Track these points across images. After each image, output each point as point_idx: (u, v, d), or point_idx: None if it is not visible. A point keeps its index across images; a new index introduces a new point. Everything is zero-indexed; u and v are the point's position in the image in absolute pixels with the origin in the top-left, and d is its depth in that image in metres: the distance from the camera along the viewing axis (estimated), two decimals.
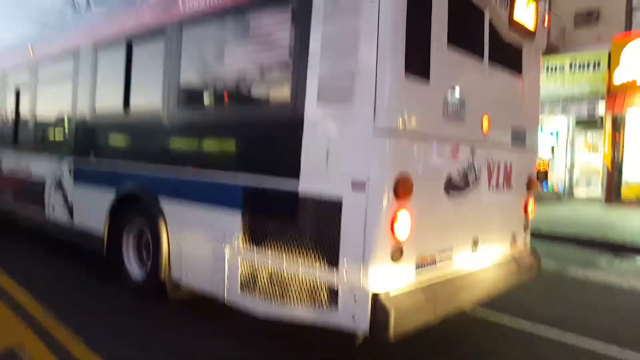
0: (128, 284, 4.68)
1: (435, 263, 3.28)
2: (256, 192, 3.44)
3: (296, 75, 3.21)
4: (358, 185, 2.85)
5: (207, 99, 4.17)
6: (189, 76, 4.18)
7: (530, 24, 4.12)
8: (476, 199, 3.65)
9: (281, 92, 3.44)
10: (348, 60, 2.92)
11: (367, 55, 2.83)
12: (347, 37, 2.94)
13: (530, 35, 4.16)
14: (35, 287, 4.70)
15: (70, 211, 5.59)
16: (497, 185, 3.93)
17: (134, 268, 4.71)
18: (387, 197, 2.81)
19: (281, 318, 3.26)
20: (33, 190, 6.34)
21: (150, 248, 4.42)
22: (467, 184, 3.52)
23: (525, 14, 4.04)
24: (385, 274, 2.85)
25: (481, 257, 3.76)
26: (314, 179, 3.07)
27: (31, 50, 6.61)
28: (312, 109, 3.10)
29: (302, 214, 3.12)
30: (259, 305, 3.38)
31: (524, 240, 4.45)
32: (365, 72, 2.84)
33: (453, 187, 3.37)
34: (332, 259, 2.96)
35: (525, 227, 4.46)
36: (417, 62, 2.95)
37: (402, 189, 2.85)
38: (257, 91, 3.74)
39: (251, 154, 3.58)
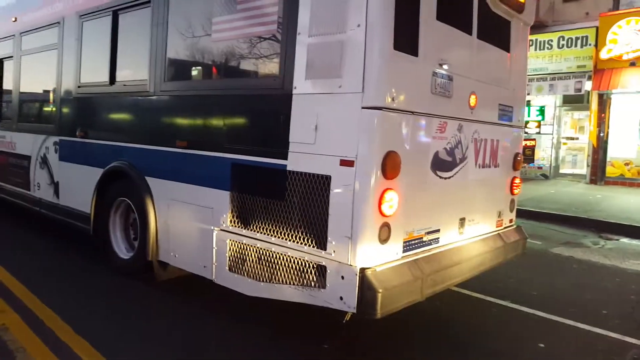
0: (115, 264, 4.64)
1: (423, 241, 3.28)
2: (244, 169, 3.40)
3: (285, 49, 3.13)
4: (346, 162, 2.82)
5: (193, 72, 4.08)
6: (175, 48, 4.06)
7: None
8: (463, 177, 3.64)
9: (269, 66, 3.36)
10: (336, 35, 2.85)
11: (355, 30, 2.77)
12: (335, 10, 2.87)
13: (519, 9, 4.11)
14: (19, 268, 4.64)
15: (56, 189, 5.49)
16: (484, 163, 3.92)
17: (121, 247, 4.66)
18: (376, 174, 2.78)
19: (270, 297, 3.26)
20: (17, 167, 6.21)
21: (137, 227, 4.37)
22: (454, 162, 3.51)
23: None
24: (372, 251, 2.84)
25: (468, 235, 3.77)
26: (303, 155, 3.03)
27: (14, 19, 6.38)
28: (300, 84, 3.04)
29: (291, 191, 3.09)
30: (247, 285, 3.36)
31: (509, 218, 4.48)
32: (353, 47, 2.78)
33: (440, 165, 3.36)
34: (320, 237, 2.95)
35: (511, 205, 4.48)
36: (406, 37, 2.89)
37: (390, 166, 2.82)
38: (245, 65, 3.65)
39: (238, 130, 3.52)
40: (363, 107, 2.76)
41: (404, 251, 3.10)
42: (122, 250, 4.64)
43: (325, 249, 2.92)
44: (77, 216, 5.09)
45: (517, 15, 4.15)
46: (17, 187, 6.27)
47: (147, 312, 3.83)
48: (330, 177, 2.89)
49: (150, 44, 4.20)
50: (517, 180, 4.49)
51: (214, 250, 3.58)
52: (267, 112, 3.28)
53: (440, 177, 3.38)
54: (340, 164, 2.84)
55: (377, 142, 2.79)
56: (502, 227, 4.31)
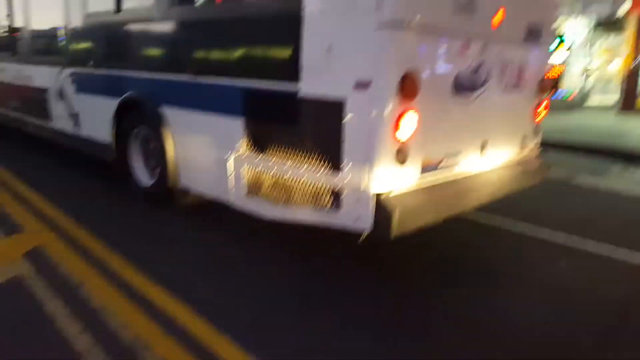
0: (137, 191, 4.74)
1: (441, 166, 3.22)
2: (257, 95, 3.32)
3: None
4: (362, 84, 2.71)
5: None
6: None
7: None
8: (486, 100, 3.49)
9: None
10: None
11: None
12: None
13: None
14: (51, 194, 4.79)
15: (76, 120, 5.53)
16: (508, 86, 3.74)
17: (142, 175, 4.74)
18: (393, 96, 2.68)
19: (286, 220, 3.29)
20: (37, 100, 6.25)
21: (156, 155, 4.41)
22: (477, 84, 3.35)
23: None
24: (389, 175, 2.80)
25: (488, 160, 3.69)
26: (316, 78, 2.92)
27: None
28: (312, 3, 2.87)
29: (305, 116, 3.02)
30: (264, 208, 3.40)
31: (532, 144, 4.35)
32: None
33: (462, 87, 3.21)
34: (335, 161, 2.91)
35: (535, 131, 4.33)
36: None
37: (408, 87, 2.71)
38: None
39: (249, 54, 3.40)
40: (379, 25, 2.60)
41: (422, 174, 3.05)
42: (143, 178, 4.72)
43: (340, 173, 2.90)
44: (99, 145, 5.15)
45: None
46: (39, 119, 6.34)
47: (174, 236, 3.95)
48: (345, 101, 2.79)
49: None
50: (544, 104, 4.30)
51: (231, 176, 3.60)
52: (278, 33, 3.15)
53: (462, 100, 3.25)
54: (356, 87, 2.74)
55: (395, 63, 2.66)
56: (523, 153, 4.19)
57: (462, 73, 3.18)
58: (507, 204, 4.04)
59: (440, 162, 3.20)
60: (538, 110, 4.26)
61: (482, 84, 3.41)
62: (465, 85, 3.24)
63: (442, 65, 3.01)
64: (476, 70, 3.31)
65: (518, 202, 4.31)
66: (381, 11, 2.59)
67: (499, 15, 3.37)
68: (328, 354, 2.47)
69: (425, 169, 3.09)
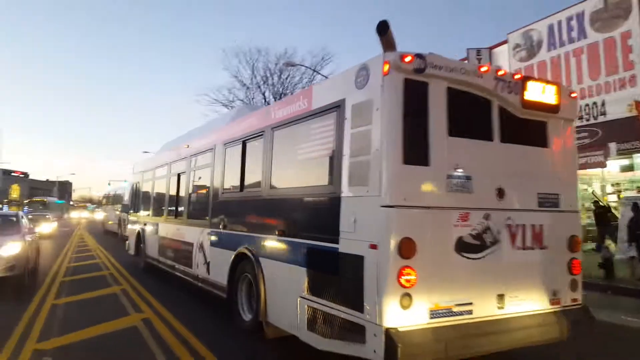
0: (239, 323, 5.99)
1: (453, 311, 3.91)
2: (313, 251, 4.52)
3: (337, 166, 4.31)
4: (373, 246, 3.75)
5: (284, 181, 5.45)
6: (276, 164, 5.55)
7: (551, 100, 4.64)
8: (497, 258, 4.19)
9: (328, 178, 4.53)
10: (365, 156, 3.94)
11: (375, 150, 3.82)
12: (364, 137, 3.98)
13: (553, 110, 4.66)
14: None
15: (208, 267, 7.25)
16: (525, 245, 4.38)
17: (245, 310, 6.02)
18: (393, 255, 3.65)
19: (334, 351, 4.17)
20: (186, 251, 8.26)
21: (254, 295, 5.70)
22: (484, 245, 4.12)
23: (544, 94, 4.59)
24: (396, 315, 3.63)
25: (510, 310, 4.20)
26: (348, 240, 4.05)
27: (187, 145, 8.84)
28: (345, 189, 4.14)
29: (341, 267, 4.09)
30: (319, 341, 4.33)
31: (572, 297, 4.67)
32: (375, 163, 3.82)
33: (466, 248, 4.02)
34: (360, 303, 3.84)
35: (573, 285, 4.68)
36: (415, 153, 3.83)
37: (405, 249, 3.66)
38: (314, 177, 4.87)
39: (310, 223, 4.70)
40: (381, 206, 3.72)
41: (431, 318, 3.78)
42: (245, 313, 5.99)
43: (363, 312, 3.80)
44: (219, 287, 6.68)
45: (554, 115, 4.71)
46: (184, 266, 8.27)
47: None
48: (363, 256, 3.83)
49: (262, 162, 5.77)
50: (577, 261, 4.72)
51: (298, 313, 4.67)
52: (327, 209, 4.41)
53: (468, 258, 4.03)
54: (369, 247, 3.78)
55: (393, 232, 3.68)
56: (559, 306, 4.55)
57: (464, 237, 4.02)
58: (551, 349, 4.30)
59: (450, 308, 3.90)
60: (573, 266, 4.68)
61: (490, 245, 4.16)
62: (469, 247, 4.04)
63: (440, 232, 3.92)
64: (481, 234, 4.12)
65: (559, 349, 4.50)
66: (382, 197, 3.73)
67: (500, 191, 4.24)
68: None
69: (436, 312, 3.81)
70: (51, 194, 78.90)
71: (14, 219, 10.28)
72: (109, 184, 41.32)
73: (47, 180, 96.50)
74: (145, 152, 11.59)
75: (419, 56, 3.87)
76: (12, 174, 79.58)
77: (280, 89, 27.65)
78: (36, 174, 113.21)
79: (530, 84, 4.52)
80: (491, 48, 18.91)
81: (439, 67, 3.96)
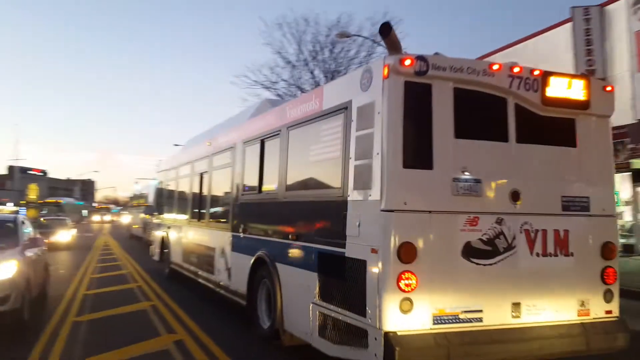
0: (258, 330, 6.95)
1: (459, 318, 4.61)
2: (323, 256, 5.36)
3: (343, 168, 5.11)
4: (374, 250, 4.53)
5: (299, 184, 6.30)
6: (291, 167, 6.43)
7: (579, 96, 5.19)
8: (513, 264, 4.83)
9: (336, 181, 5.32)
10: (368, 160, 4.72)
11: (377, 153, 4.59)
12: (367, 139, 4.75)
13: (582, 106, 5.21)
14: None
15: (229, 273, 8.26)
16: (546, 251, 4.99)
17: (263, 318, 6.95)
18: (393, 259, 4.41)
19: (342, 357, 4.99)
20: (208, 257, 9.34)
21: (271, 302, 6.62)
22: (496, 251, 4.78)
23: (570, 89, 5.16)
24: (396, 319, 4.38)
25: (527, 320, 4.84)
26: (353, 245, 4.85)
27: (209, 143, 9.93)
28: (351, 193, 4.94)
29: (347, 272, 4.90)
30: (329, 347, 5.17)
31: (605, 309, 5.21)
32: (376, 166, 4.59)
33: (476, 253, 4.70)
34: (363, 307, 4.63)
35: (607, 296, 5.22)
36: (417, 156, 4.56)
37: (405, 253, 4.41)
38: (325, 179, 5.69)
39: (321, 227, 5.54)
40: (382, 210, 4.50)
41: (435, 323, 4.51)
42: (264, 320, 6.92)
43: (365, 317, 4.60)
44: (240, 294, 7.66)
45: (583, 112, 5.26)
46: (206, 273, 9.36)
47: None
48: (366, 261, 4.63)
49: (279, 163, 6.67)
50: (612, 270, 5.25)
51: (310, 319, 5.52)
52: (335, 212, 5.22)
53: (478, 264, 4.71)
54: (371, 251, 4.57)
55: (392, 237, 4.44)
56: (588, 317, 5.11)
57: (473, 242, 4.70)
58: None
59: (456, 315, 4.61)
60: (606, 275, 5.23)
61: (504, 251, 4.82)
62: (479, 252, 4.72)
63: (445, 237, 4.63)
64: (493, 239, 4.78)
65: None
66: (383, 201, 4.50)
67: (516, 195, 4.88)
68: None
69: (440, 318, 4.54)
70: (72, 195, 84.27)
71: (11, 225, 8.56)
72: (136, 182, 43.34)
73: (68, 179, 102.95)
74: (177, 144, 12.56)
75: (420, 58, 4.59)
76: (30, 172, 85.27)
77: (333, 66, 26.53)
78: (56, 172, 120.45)
79: (553, 79, 5.10)
80: (602, 5, 17.44)
81: (443, 68, 4.66)
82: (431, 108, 4.68)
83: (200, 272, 9.88)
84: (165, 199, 13.94)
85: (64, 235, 22.93)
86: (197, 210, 10.46)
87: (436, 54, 4.72)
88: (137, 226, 29.45)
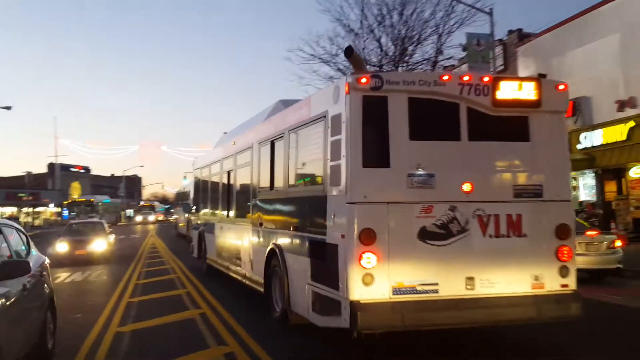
0: (274, 314, 9.08)
1: (417, 290, 6.50)
2: (312, 243, 7.38)
3: (324, 168, 7.09)
4: (343, 236, 6.50)
5: (295, 181, 8.35)
6: (292, 166, 8.48)
7: (530, 96, 6.90)
8: (466, 244, 6.65)
9: (320, 179, 7.32)
10: (337, 161, 6.67)
11: (342, 156, 6.54)
12: (338, 144, 6.70)
13: (533, 105, 6.92)
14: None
15: (252, 264, 10.45)
16: (499, 233, 6.77)
17: (276, 302, 9.07)
18: (356, 243, 6.35)
19: (327, 326, 7.01)
20: (236, 250, 11.59)
21: (282, 286, 8.71)
22: (449, 233, 6.62)
23: (521, 91, 6.88)
24: (360, 291, 6.33)
25: (480, 292, 6.65)
26: (330, 232, 6.84)
27: (233, 143, 12.16)
28: (329, 189, 6.92)
29: (326, 254, 6.90)
30: (318, 319, 7.21)
31: (561, 283, 6.92)
32: (343, 167, 6.54)
33: (431, 236, 6.56)
34: (337, 283, 6.62)
35: (562, 271, 6.92)
36: (375, 157, 6.46)
37: (365, 237, 6.34)
38: (315, 177, 7.72)
39: (312, 219, 7.56)
40: (347, 203, 6.45)
41: (394, 294, 6.43)
42: (277, 305, 9.03)
43: (339, 290, 6.58)
44: (259, 283, 9.83)
45: (535, 110, 6.96)
46: (235, 266, 11.61)
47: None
48: (337, 245, 6.61)
49: (283, 162, 8.74)
50: (566, 248, 6.95)
51: (307, 297, 7.56)
52: (320, 206, 7.21)
53: (433, 245, 6.57)
54: (341, 237, 6.54)
55: (355, 223, 6.38)
56: (542, 290, 6.85)
57: (428, 226, 6.56)
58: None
59: (414, 287, 6.49)
60: (561, 253, 6.93)
61: (457, 234, 6.64)
62: (434, 235, 6.57)
63: (402, 223, 6.51)
64: (447, 224, 6.62)
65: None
66: (347, 195, 6.45)
67: (467, 186, 6.69)
68: None
69: (399, 290, 6.44)
70: (117, 193, 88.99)
71: None
72: (184, 177, 44.28)
73: (112, 175, 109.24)
74: (226, 132, 13.34)
75: (375, 76, 6.50)
76: (71, 169, 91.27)
77: (404, 31, 24.76)
78: (99, 169, 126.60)
79: (503, 84, 6.85)
80: None
81: (397, 82, 6.55)
82: (387, 116, 6.57)
83: (230, 266, 12.16)
84: (201, 196, 16.40)
85: (99, 244, 20.89)
86: (225, 206, 12.75)
87: (391, 71, 6.60)
88: (182, 224, 32.51)
